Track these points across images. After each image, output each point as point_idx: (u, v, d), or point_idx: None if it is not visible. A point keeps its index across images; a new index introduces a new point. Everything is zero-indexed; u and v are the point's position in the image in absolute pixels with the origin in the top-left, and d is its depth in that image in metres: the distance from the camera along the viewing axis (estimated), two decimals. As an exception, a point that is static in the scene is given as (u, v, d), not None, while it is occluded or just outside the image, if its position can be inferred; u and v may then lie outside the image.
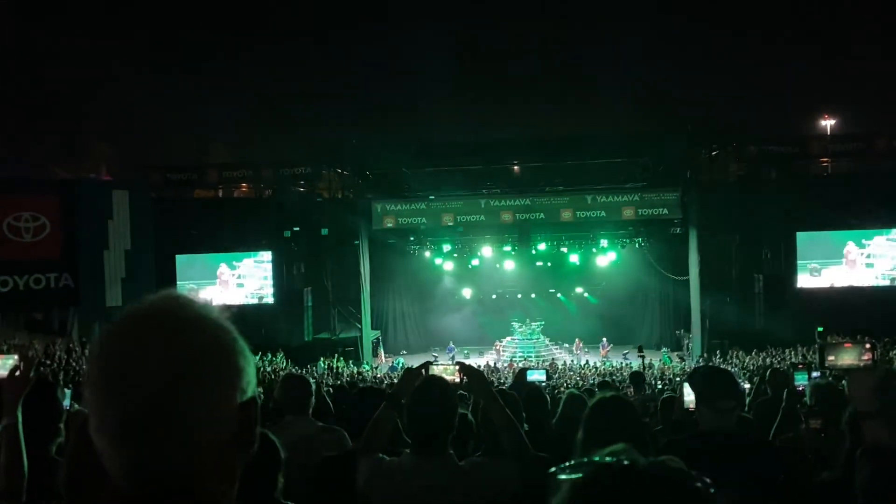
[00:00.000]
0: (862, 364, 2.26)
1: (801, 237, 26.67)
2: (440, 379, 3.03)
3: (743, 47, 39.56)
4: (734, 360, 24.78)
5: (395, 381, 18.70)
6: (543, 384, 5.79)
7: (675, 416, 4.20)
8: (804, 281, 26.65)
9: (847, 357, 2.28)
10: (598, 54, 39.78)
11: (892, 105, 34.91)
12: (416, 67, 41.73)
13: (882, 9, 37.33)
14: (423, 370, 3.20)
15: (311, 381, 4.04)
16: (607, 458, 0.84)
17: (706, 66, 39.80)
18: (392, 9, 42.34)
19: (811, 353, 22.78)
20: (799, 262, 26.67)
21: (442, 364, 3.33)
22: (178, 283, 27.61)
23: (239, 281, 28.03)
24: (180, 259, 27.73)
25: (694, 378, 3.33)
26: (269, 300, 27.77)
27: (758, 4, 38.45)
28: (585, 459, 0.84)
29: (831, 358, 2.29)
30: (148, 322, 1.01)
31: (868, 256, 26.20)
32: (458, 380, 3.22)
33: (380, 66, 41.93)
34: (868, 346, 2.28)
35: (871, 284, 25.95)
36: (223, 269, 28.03)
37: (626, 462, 0.82)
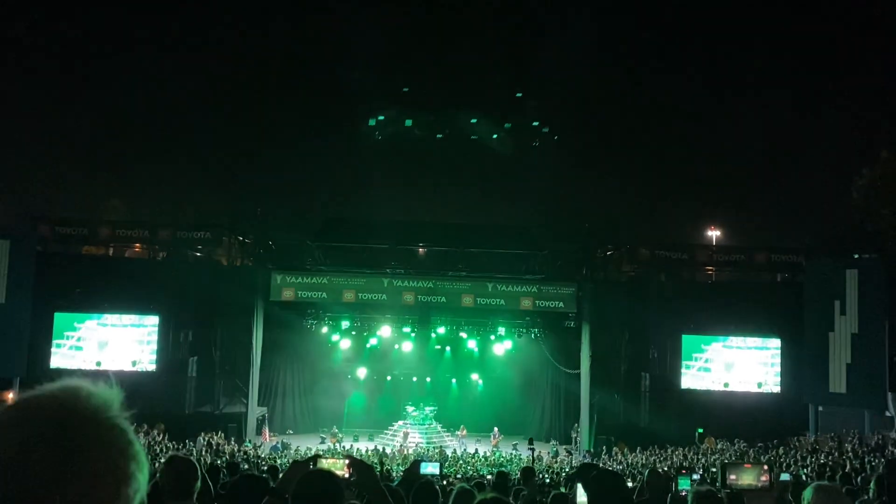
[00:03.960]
0: (760, 485, 2.34)
1: (686, 339, 28.01)
2: (326, 473, 2.90)
3: (640, 159, 42.47)
4: (619, 456, 25.26)
5: (275, 462, 17.87)
6: (437, 477, 5.65)
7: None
8: (688, 382, 27.82)
9: (747, 477, 2.36)
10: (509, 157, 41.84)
11: (772, 220, 37.85)
12: (328, 142, 42.05)
13: (764, 128, 41.05)
14: (311, 463, 3.07)
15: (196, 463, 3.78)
16: None
17: (605, 172, 42.25)
18: (311, 81, 42.87)
19: (692, 453, 23.55)
20: (683, 362, 27.93)
21: (331, 458, 3.20)
22: (53, 342, 25.99)
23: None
24: (59, 317, 26.08)
25: (587, 480, 3.34)
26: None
27: (652, 129, 41.85)
28: None
29: (732, 477, 2.35)
30: (38, 415, 0.97)
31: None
32: (346, 474, 3.10)
33: (293, 135, 41.94)
34: (766, 468, 2.36)
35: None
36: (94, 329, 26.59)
37: None
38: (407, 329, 30.06)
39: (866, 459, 18.45)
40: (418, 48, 41.47)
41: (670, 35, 42.62)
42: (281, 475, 8.82)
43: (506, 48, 42.27)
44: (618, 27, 41.16)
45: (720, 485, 2.38)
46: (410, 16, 41.06)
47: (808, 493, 3.06)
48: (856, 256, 25.64)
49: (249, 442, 26.30)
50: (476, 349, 31.80)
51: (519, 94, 40.70)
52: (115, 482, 0.97)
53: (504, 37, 42.95)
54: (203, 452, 21.36)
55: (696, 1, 43.44)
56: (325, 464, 3.12)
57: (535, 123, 40.80)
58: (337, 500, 2.72)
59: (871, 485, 5.66)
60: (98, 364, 25.94)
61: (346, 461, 3.14)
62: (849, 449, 21.14)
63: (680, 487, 4.59)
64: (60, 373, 24.97)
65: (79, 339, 26.41)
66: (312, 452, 25.18)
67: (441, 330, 29.96)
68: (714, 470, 17.02)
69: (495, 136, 41.08)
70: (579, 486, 3.92)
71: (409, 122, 40.07)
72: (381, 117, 40.15)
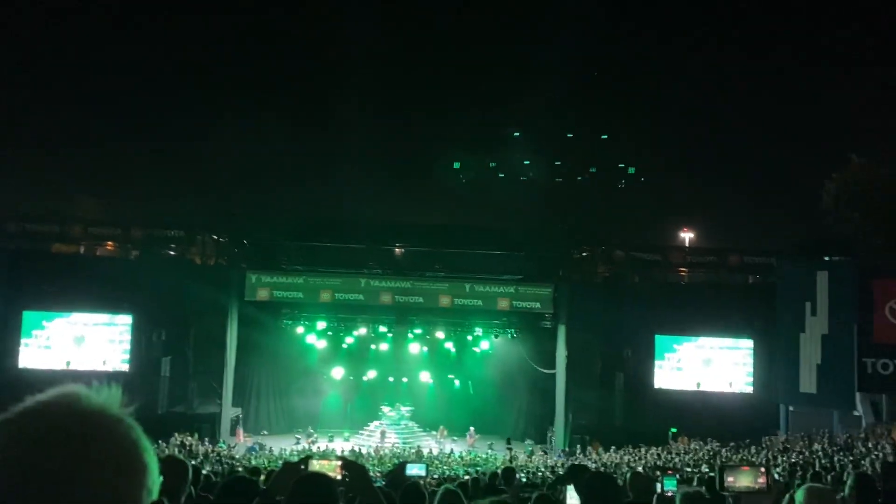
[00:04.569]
0: (757, 487, 2.35)
1: (659, 339, 28.29)
2: (322, 476, 2.87)
3: (615, 162, 42.87)
4: (593, 455, 25.40)
5: (250, 465, 17.68)
6: (423, 479, 5.63)
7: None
8: (661, 381, 28.09)
9: (744, 479, 2.36)
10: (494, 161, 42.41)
11: (745, 223, 38.33)
12: (305, 142, 41.75)
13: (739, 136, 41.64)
14: (303, 466, 3.03)
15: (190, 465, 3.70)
16: None
17: (581, 175, 42.62)
18: (289, 82, 42.56)
19: (665, 452, 23.75)
20: (656, 362, 28.21)
21: (323, 460, 3.16)
22: (21, 340, 25.49)
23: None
24: (27, 315, 25.58)
25: (580, 481, 3.34)
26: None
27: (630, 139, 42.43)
28: None
29: (730, 479, 2.36)
30: (45, 417, 0.96)
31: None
32: (339, 476, 3.06)
33: (270, 134, 41.56)
34: (763, 469, 2.37)
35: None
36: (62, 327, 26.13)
37: None
38: (384, 329, 29.98)
39: (836, 459, 18.74)
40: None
41: (647, 38, 43.10)
42: (263, 476, 8.74)
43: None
44: (597, 33, 41.56)
45: (718, 487, 2.38)
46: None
47: (799, 495, 3.09)
48: (826, 259, 26.05)
49: (223, 443, 26.02)
50: (453, 349, 31.80)
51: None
52: (135, 472, 0.98)
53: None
54: (176, 453, 21.07)
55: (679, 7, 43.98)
56: (316, 465, 3.07)
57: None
58: None
59: (850, 481, 5.72)
60: (68, 363, 25.49)
61: (339, 462, 3.10)
62: (818, 448, 21.46)
63: (666, 488, 4.62)
64: (29, 372, 24.63)
65: (48, 338, 25.92)
66: (287, 453, 24.98)
67: (418, 330, 29.92)
68: (689, 469, 17.20)
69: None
70: (569, 488, 3.92)
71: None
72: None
